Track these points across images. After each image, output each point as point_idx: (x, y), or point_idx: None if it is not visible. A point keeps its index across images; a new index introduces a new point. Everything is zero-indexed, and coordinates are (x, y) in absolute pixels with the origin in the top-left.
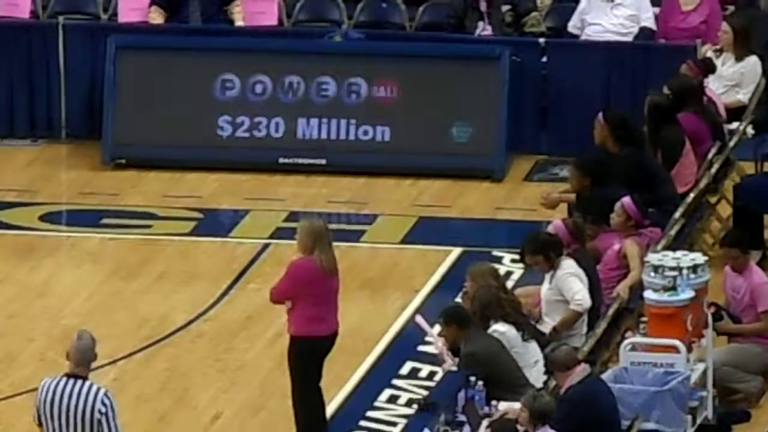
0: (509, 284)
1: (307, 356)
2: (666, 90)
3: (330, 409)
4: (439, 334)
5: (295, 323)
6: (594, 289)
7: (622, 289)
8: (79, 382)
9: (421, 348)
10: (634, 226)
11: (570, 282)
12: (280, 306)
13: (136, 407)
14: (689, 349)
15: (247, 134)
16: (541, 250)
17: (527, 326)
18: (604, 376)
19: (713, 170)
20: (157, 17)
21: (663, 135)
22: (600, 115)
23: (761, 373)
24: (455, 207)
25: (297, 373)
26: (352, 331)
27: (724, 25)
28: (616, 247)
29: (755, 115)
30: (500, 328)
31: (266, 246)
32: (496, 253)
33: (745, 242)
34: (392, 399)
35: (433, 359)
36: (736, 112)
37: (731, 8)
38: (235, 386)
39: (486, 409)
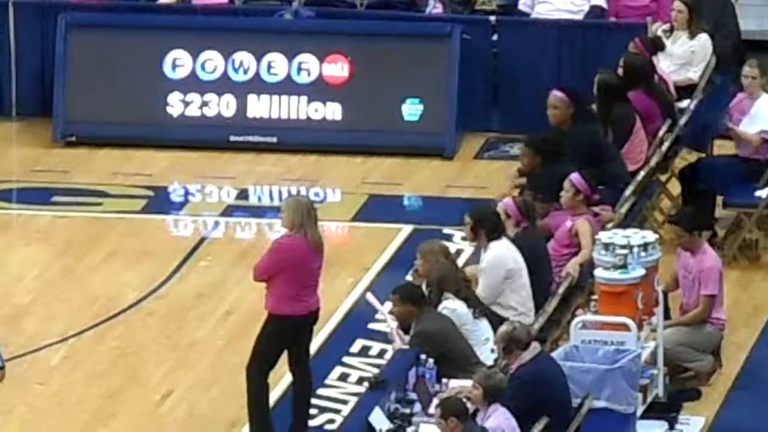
0: (459, 262)
1: (278, 335)
2: (621, 67)
3: (281, 387)
4: (391, 312)
5: (272, 301)
6: (544, 266)
7: (573, 266)
8: None
9: (372, 326)
10: (584, 202)
11: (482, 273)
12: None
13: (87, 385)
14: (640, 327)
15: (197, 112)
16: (472, 220)
17: (478, 303)
18: (555, 354)
19: (663, 148)
20: None
21: (613, 113)
22: (561, 93)
23: (711, 352)
24: (406, 185)
25: (259, 349)
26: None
27: (678, 4)
28: (568, 224)
29: (704, 93)
30: (451, 305)
31: (217, 224)
32: (446, 230)
33: (696, 223)
34: (343, 377)
35: (384, 337)
36: (686, 90)
37: None
38: (186, 364)
39: (437, 386)
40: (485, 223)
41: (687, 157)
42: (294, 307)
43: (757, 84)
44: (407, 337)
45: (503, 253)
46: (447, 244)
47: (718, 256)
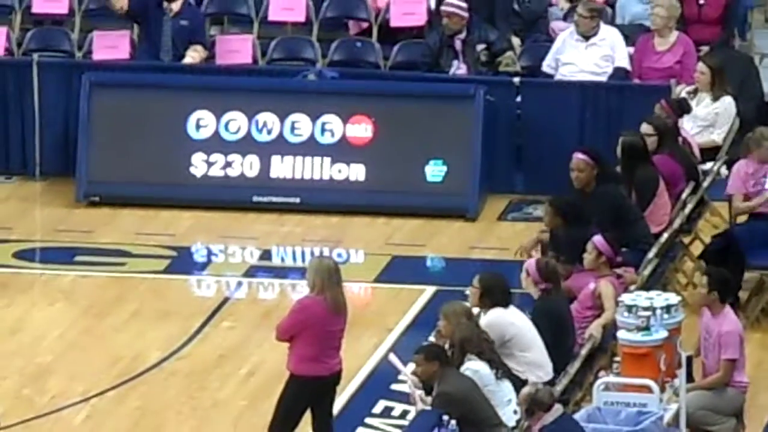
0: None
1: (300, 396)
2: (645, 128)
3: None
4: (414, 372)
5: (294, 361)
6: (567, 328)
7: (596, 328)
8: None
9: (395, 387)
10: (606, 265)
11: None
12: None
13: None
14: (662, 389)
15: (221, 172)
16: (481, 286)
17: (501, 365)
18: (577, 416)
19: (687, 210)
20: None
21: (637, 175)
22: (584, 156)
23: (734, 415)
24: (429, 246)
25: (281, 410)
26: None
27: (701, 66)
28: (591, 286)
29: (729, 155)
30: (474, 366)
31: (240, 284)
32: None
33: (724, 288)
34: None
35: (406, 398)
36: (710, 152)
37: (705, 48)
38: (208, 425)
39: None
40: (492, 294)
41: (710, 219)
42: (315, 368)
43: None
44: (428, 399)
45: (496, 320)
46: (468, 305)
47: (741, 319)
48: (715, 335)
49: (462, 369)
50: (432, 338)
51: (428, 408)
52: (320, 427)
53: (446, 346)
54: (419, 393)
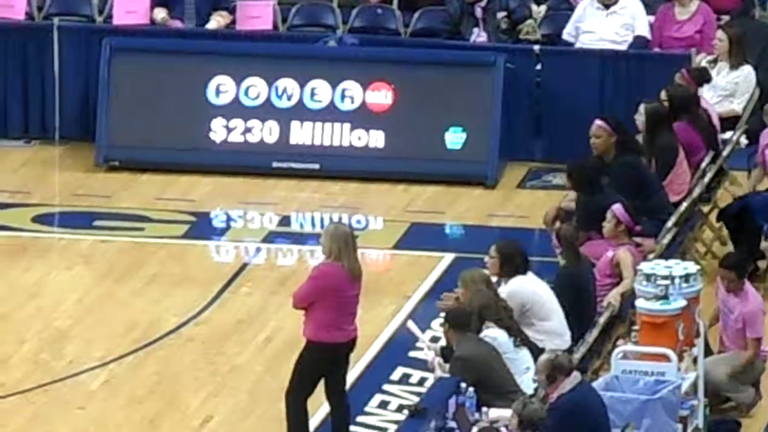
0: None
1: (316, 362)
2: (663, 97)
3: (320, 415)
4: (432, 339)
5: (312, 328)
6: (588, 297)
7: (614, 297)
8: None
9: (412, 354)
10: (625, 233)
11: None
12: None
13: (127, 409)
14: (680, 358)
15: (240, 138)
16: (500, 254)
17: (519, 332)
18: (595, 384)
19: (706, 179)
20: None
21: (658, 143)
22: (603, 123)
23: (753, 384)
24: (448, 213)
25: (298, 376)
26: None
27: (720, 34)
28: (610, 254)
29: (749, 125)
30: (492, 333)
31: (258, 250)
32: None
33: (745, 267)
34: (383, 404)
35: (424, 365)
36: (729, 121)
37: (726, 18)
38: (225, 390)
39: (476, 415)
40: (512, 262)
41: (729, 188)
42: (332, 335)
43: None
44: (447, 366)
45: (517, 289)
46: (487, 272)
47: (759, 290)
48: (738, 313)
49: (481, 335)
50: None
51: (446, 375)
52: (334, 394)
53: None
54: (438, 360)
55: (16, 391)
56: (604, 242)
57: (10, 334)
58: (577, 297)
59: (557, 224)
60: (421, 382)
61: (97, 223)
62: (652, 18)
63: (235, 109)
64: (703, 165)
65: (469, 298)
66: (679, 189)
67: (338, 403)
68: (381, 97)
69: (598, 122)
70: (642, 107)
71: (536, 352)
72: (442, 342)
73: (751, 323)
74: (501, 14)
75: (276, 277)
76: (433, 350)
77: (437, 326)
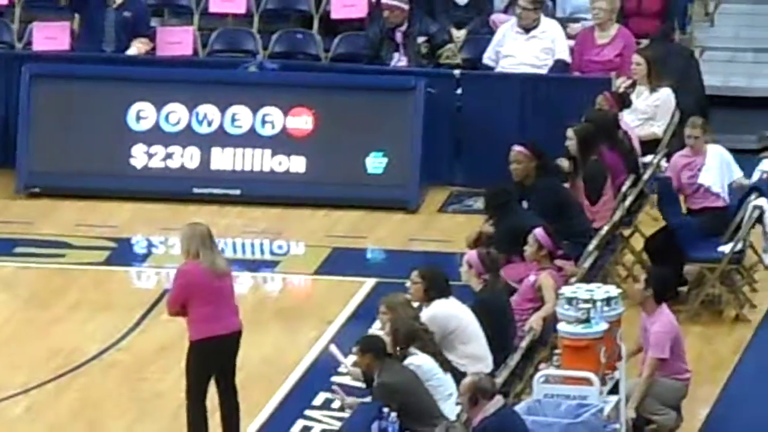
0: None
1: (204, 359)
2: (584, 121)
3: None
4: (354, 363)
5: (194, 327)
6: (507, 320)
7: (536, 321)
8: None
9: (335, 379)
10: (547, 257)
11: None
12: None
13: None
14: (603, 382)
15: (161, 164)
16: (423, 279)
17: (445, 359)
18: (518, 408)
19: (627, 203)
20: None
21: (588, 168)
22: (522, 148)
23: (675, 408)
24: (370, 238)
25: (190, 380)
26: (266, 360)
27: (637, 58)
28: (531, 279)
29: (669, 148)
30: (417, 361)
31: None
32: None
33: (664, 288)
34: (305, 430)
35: (348, 390)
36: (650, 144)
37: (645, 41)
38: (148, 416)
39: None
40: (435, 287)
41: (650, 212)
42: (213, 328)
43: (700, 142)
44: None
45: (440, 313)
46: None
47: (676, 314)
48: (648, 334)
49: (405, 363)
50: (380, 331)
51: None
52: (225, 392)
53: (387, 339)
54: (349, 401)
55: None
56: (524, 265)
57: None
58: (498, 321)
59: (479, 248)
60: (343, 407)
61: (18, 249)
62: (572, 42)
63: (155, 135)
64: (624, 188)
65: (393, 324)
66: (606, 215)
67: (229, 399)
68: (302, 122)
69: (517, 148)
70: (570, 131)
71: (459, 376)
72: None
73: (654, 343)
74: (421, 39)
75: None
76: (356, 375)
77: None
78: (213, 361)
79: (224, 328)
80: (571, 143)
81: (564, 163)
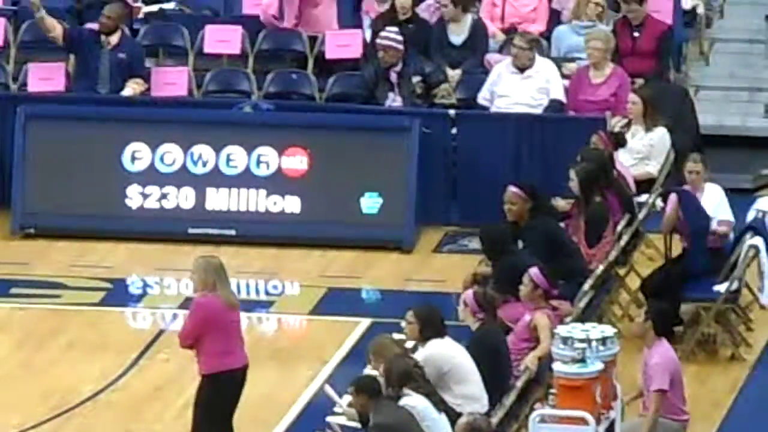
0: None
1: (222, 393)
2: (583, 161)
3: None
4: (349, 404)
5: (207, 361)
6: (503, 359)
7: (531, 360)
8: None
9: (330, 419)
10: (542, 297)
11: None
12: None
13: None
14: (598, 422)
15: (156, 204)
16: (418, 319)
17: (439, 399)
18: None
19: (622, 242)
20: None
21: (591, 209)
22: (517, 189)
23: None
24: (365, 278)
25: (207, 414)
26: (262, 400)
27: (633, 97)
28: (527, 318)
29: (664, 188)
30: (411, 402)
31: (175, 316)
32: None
33: (665, 320)
34: None
35: (343, 430)
36: (645, 184)
37: (640, 81)
38: None
39: None
40: (430, 327)
41: (645, 251)
42: (226, 362)
43: (700, 178)
44: None
45: (435, 353)
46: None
47: (675, 351)
48: (647, 368)
49: (400, 403)
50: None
51: None
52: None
53: (381, 380)
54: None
55: None
56: (521, 305)
57: None
58: (493, 360)
59: (475, 288)
60: None
61: (13, 290)
62: (567, 81)
63: (150, 176)
64: (619, 228)
65: (386, 365)
66: (603, 257)
67: None
68: (296, 162)
69: (512, 189)
70: (572, 172)
71: (454, 416)
72: None
73: (653, 376)
74: (416, 79)
75: None
76: (351, 415)
77: None
78: (226, 395)
79: (236, 362)
80: (573, 184)
81: (559, 202)
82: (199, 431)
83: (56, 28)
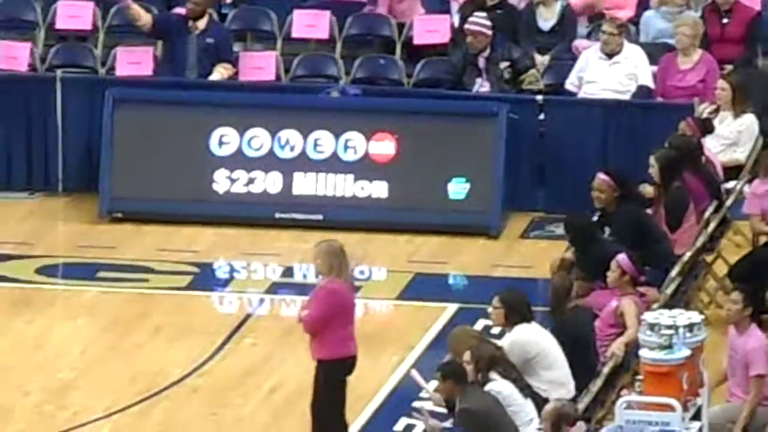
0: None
1: (341, 378)
2: (666, 147)
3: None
4: (436, 389)
5: (329, 347)
6: (589, 346)
7: (618, 346)
8: None
9: (417, 404)
10: (630, 283)
11: None
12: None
13: None
14: (685, 408)
15: (243, 189)
16: (504, 304)
17: (526, 384)
18: None
19: (710, 229)
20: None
21: (670, 194)
22: (606, 177)
23: None
24: (451, 263)
25: (327, 400)
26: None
27: (722, 83)
28: (613, 305)
29: (752, 174)
30: (497, 387)
31: (262, 301)
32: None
33: (756, 296)
34: None
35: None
36: (733, 170)
37: (729, 67)
38: None
39: None
40: (516, 312)
41: (732, 238)
42: (348, 348)
43: None
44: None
45: (522, 338)
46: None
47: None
48: (741, 353)
49: (486, 388)
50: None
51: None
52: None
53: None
54: (432, 423)
55: None
56: (608, 292)
57: (13, 385)
58: (579, 346)
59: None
60: (426, 430)
61: (100, 274)
62: (655, 67)
63: (238, 160)
64: (707, 215)
65: (474, 351)
66: (688, 241)
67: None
68: (384, 147)
69: (601, 176)
70: (652, 158)
71: (540, 402)
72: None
73: (753, 361)
74: (504, 64)
75: (280, 328)
76: (438, 401)
77: None
78: (344, 380)
79: (354, 349)
80: (654, 170)
81: (647, 189)
82: (322, 417)
83: (142, 17)
